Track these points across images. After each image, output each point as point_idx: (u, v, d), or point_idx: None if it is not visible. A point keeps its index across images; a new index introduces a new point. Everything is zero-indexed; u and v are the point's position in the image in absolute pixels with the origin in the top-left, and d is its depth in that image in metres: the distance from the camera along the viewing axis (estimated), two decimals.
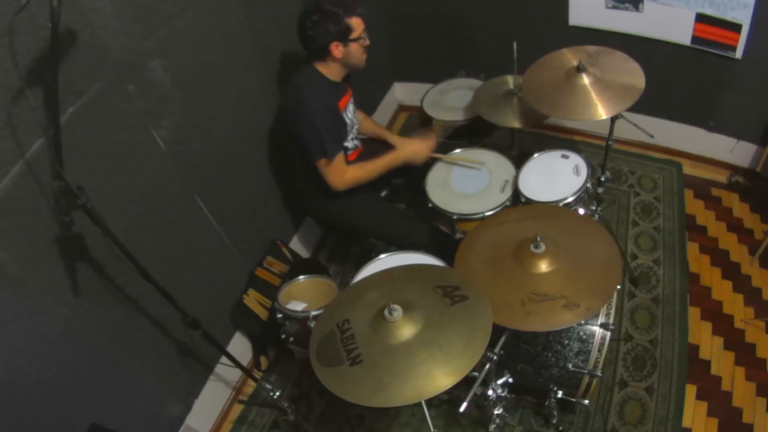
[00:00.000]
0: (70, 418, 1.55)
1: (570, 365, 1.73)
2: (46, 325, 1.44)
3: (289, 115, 1.91)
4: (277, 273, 2.36)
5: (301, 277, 1.93)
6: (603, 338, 1.72)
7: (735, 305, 2.26)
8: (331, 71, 1.90)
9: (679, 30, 2.38)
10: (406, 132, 3.22)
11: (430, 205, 1.98)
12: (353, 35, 1.82)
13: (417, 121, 2.53)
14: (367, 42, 1.88)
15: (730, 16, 2.21)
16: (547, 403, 1.85)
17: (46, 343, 1.45)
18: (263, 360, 2.37)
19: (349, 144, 2.05)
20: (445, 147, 2.21)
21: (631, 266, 2.41)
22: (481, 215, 1.88)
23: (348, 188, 1.97)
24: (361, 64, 1.93)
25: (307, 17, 1.76)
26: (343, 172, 1.95)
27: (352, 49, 1.85)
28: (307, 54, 1.89)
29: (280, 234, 2.50)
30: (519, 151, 2.38)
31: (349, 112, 2.04)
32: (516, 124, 2.12)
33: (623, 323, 2.23)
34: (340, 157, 1.92)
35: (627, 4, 2.41)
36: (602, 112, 1.80)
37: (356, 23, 1.81)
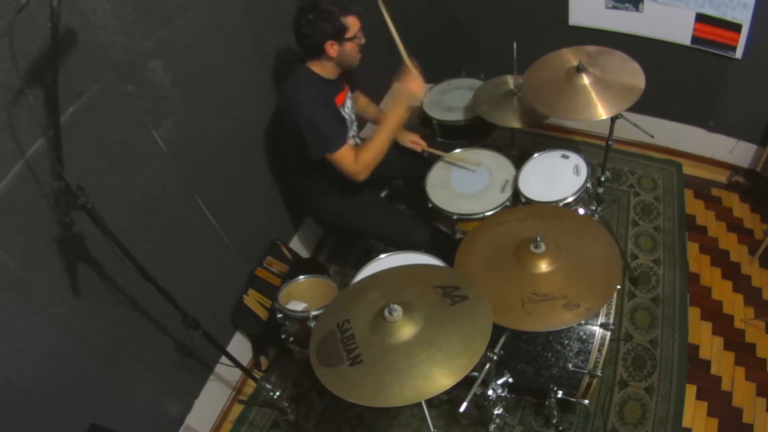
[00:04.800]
0: (70, 418, 1.55)
1: (570, 365, 1.73)
2: (46, 325, 1.44)
3: (287, 115, 1.90)
4: (277, 273, 2.36)
5: (301, 277, 1.93)
6: (603, 338, 1.72)
7: (735, 305, 2.26)
8: (324, 69, 1.89)
9: (679, 30, 2.38)
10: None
11: (430, 205, 1.98)
12: (349, 34, 1.81)
13: (417, 121, 2.52)
14: (363, 41, 1.87)
15: (730, 16, 2.21)
16: (547, 403, 1.85)
17: (46, 343, 1.45)
18: (263, 360, 2.37)
19: (350, 142, 2.05)
20: (445, 147, 2.21)
21: (631, 266, 2.41)
22: (481, 215, 1.88)
23: (369, 171, 1.88)
24: (355, 63, 1.92)
25: (304, 15, 1.75)
26: (355, 159, 1.86)
27: (346, 48, 1.84)
28: (302, 52, 1.87)
29: (280, 234, 2.50)
30: (519, 151, 2.38)
31: (347, 108, 2.02)
32: (516, 124, 2.12)
33: (623, 323, 2.23)
34: (347, 147, 1.85)
35: (627, 4, 2.41)
36: (602, 112, 1.80)
37: (352, 22, 1.80)
